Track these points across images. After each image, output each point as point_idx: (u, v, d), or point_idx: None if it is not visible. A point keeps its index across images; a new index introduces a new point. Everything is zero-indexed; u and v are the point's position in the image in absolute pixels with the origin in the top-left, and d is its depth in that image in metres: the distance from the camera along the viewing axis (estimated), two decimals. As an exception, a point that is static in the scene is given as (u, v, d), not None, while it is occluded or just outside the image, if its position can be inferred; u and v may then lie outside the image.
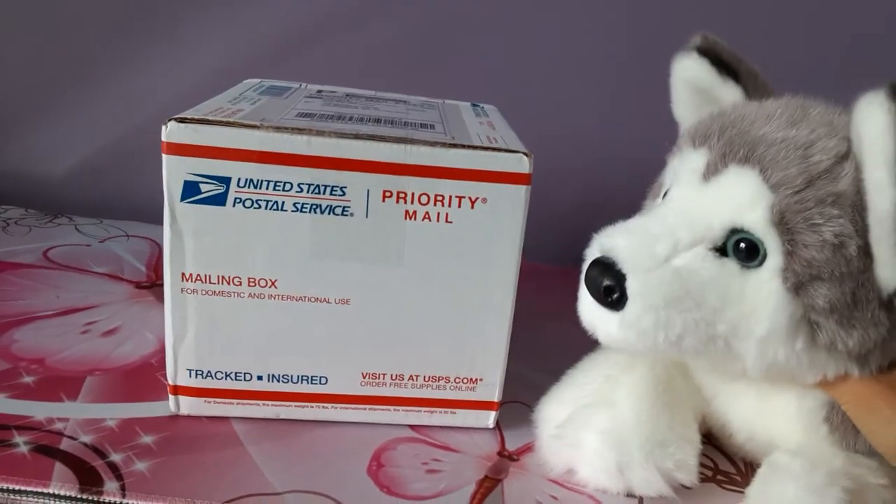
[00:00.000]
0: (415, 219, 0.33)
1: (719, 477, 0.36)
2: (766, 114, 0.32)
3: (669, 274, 0.30)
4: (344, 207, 0.32)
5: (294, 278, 0.33)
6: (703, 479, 0.35)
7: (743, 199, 0.30)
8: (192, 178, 0.31)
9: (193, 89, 0.59)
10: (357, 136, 0.32)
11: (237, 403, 0.35)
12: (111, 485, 0.31)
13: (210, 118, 0.31)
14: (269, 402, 0.35)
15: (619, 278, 0.30)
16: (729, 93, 0.36)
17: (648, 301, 0.30)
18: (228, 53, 0.59)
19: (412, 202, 0.33)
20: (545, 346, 0.45)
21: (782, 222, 0.29)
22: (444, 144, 0.32)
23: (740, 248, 0.30)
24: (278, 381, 0.35)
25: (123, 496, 0.30)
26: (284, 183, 0.32)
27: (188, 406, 0.35)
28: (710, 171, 0.32)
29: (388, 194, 0.32)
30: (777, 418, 0.33)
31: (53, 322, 0.43)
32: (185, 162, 0.31)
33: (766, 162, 0.30)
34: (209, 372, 0.35)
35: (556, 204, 0.51)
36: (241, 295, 0.33)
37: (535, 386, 0.38)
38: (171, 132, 0.31)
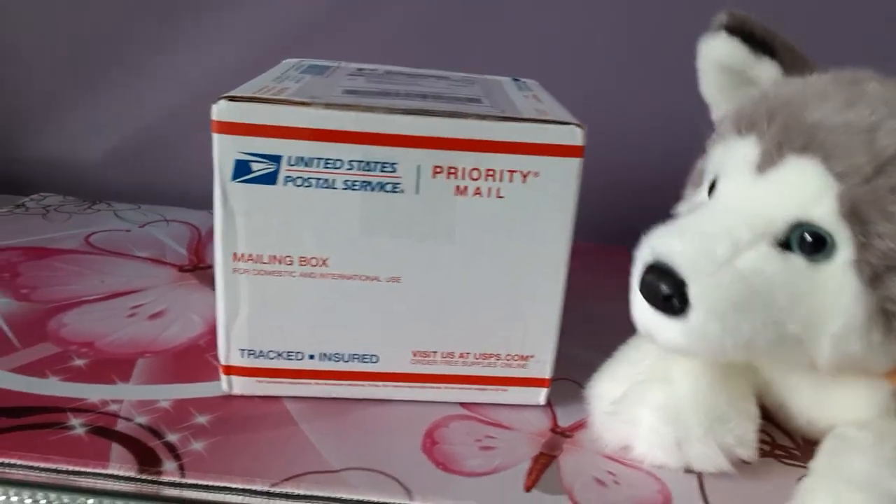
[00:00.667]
0: (465, 194, 0.32)
1: (777, 451, 0.35)
2: (818, 94, 0.30)
3: (733, 276, 0.28)
4: (394, 184, 0.32)
5: (345, 257, 0.33)
6: (762, 453, 0.34)
7: (807, 192, 0.29)
8: (242, 157, 0.31)
9: (227, 73, 0.59)
10: (407, 112, 0.31)
11: (289, 383, 0.35)
12: (170, 464, 0.31)
13: (260, 96, 0.31)
14: (321, 381, 0.35)
15: (679, 284, 0.28)
16: (766, 70, 0.34)
17: (713, 307, 0.28)
18: (262, 36, 0.59)
19: (463, 177, 0.32)
20: (589, 323, 0.44)
21: (854, 214, 0.28)
22: (495, 118, 0.32)
23: (806, 242, 0.29)
24: (329, 359, 0.35)
25: (182, 475, 0.30)
26: (335, 160, 0.31)
27: (241, 386, 0.35)
28: (766, 162, 0.30)
29: (438, 170, 0.32)
30: (840, 404, 0.33)
31: (99, 306, 0.43)
32: (236, 141, 0.31)
33: (828, 150, 0.28)
34: (261, 352, 0.35)
35: (592, 180, 0.50)
36: (293, 274, 0.33)
37: (582, 363, 0.37)
38: (221, 111, 0.31)
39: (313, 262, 0.33)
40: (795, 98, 0.31)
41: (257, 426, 0.34)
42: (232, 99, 0.31)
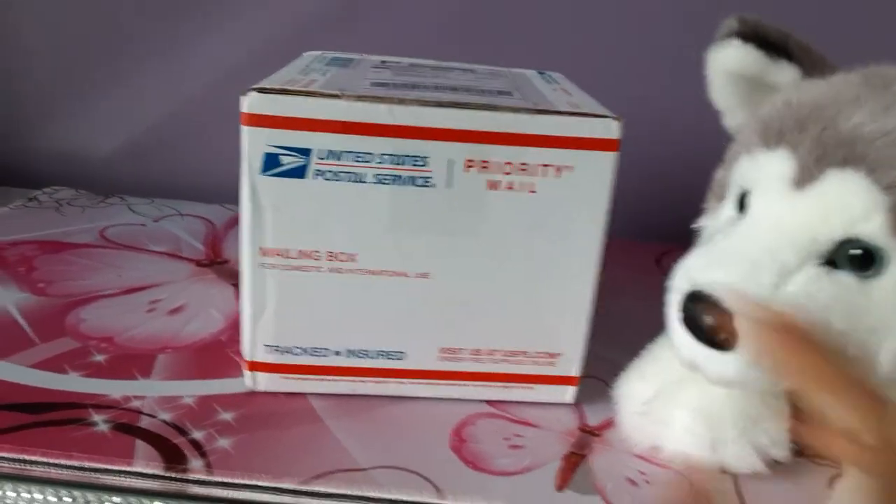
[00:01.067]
0: (498, 188, 0.32)
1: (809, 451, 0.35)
2: (849, 99, 0.29)
3: (785, 305, 0.27)
4: (426, 178, 0.31)
5: (373, 252, 0.33)
6: (794, 453, 0.34)
7: (854, 208, 0.27)
8: (272, 151, 0.31)
9: (241, 68, 0.59)
10: (440, 104, 0.31)
11: (315, 379, 0.35)
12: (196, 462, 0.30)
13: (291, 88, 0.30)
14: (346, 378, 0.35)
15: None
16: (784, 74, 0.33)
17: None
18: (276, 32, 0.58)
19: (496, 172, 0.32)
20: (614, 320, 0.43)
21: None
22: (529, 110, 0.31)
23: (853, 258, 0.27)
24: (356, 356, 0.34)
25: (210, 473, 0.30)
26: (366, 154, 0.31)
27: (266, 382, 0.35)
28: (804, 178, 0.28)
29: (470, 164, 0.31)
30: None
31: (117, 301, 0.43)
32: (265, 133, 0.30)
33: (871, 162, 0.27)
34: (287, 347, 0.34)
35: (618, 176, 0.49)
36: (321, 269, 0.33)
37: (608, 361, 0.37)
38: (252, 103, 0.30)
39: (342, 257, 0.33)
40: (824, 104, 0.29)
41: (282, 423, 0.33)
42: (262, 91, 0.30)
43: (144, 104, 0.62)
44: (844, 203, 0.28)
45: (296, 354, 0.34)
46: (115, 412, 0.33)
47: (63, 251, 0.48)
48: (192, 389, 0.35)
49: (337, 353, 0.34)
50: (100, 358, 0.37)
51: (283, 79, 0.33)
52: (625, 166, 0.46)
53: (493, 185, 0.32)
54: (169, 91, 0.61)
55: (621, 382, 0.35)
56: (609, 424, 0.35)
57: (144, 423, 0.32)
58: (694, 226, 0.36)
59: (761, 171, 0.30)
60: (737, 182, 0.32)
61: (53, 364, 0.36)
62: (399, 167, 0.31)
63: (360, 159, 0.31)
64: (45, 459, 0.30)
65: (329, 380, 0.35)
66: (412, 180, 0.31)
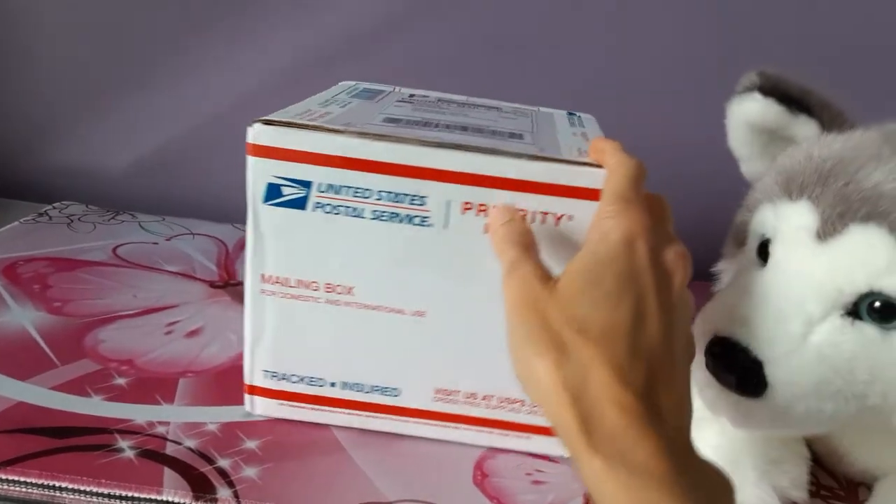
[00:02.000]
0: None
1: (823, 492, 0.35)
2: (870, 155, 0.30)
3: (811, 355, 0.28)
4: (423, 218, 0.31)
5: (370, 287, 0.33)
6: (809, 494, 0.34)
7: (878, 263, 0.28)
8: (274, 181, 0.31)
9: (252, 91, 0.59)
10: (439, 145, 0.31)
11: (310, 408, 0.35)
12: (224, 492, 0.30)
13: (294, 121, 0.31)
14: (342, 410, 0.35)
15: (755, 365, 0.28)
16: (803, 128, 0.34)
17: (795, 389, 0.28)
18: (290, 56, 0.59)
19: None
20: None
21: None
22: (529, 156, 0.31)
23: (876, 309, 0.28)
24: (350, 388, 0.34)
25: (238, 503, 0.30)
26: (364, 190, 0.31)
27: (262, 407, 0.35)
28: (827, 231, 0.29)
29: (468, 206, 0.31)
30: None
31: (135, 322, 0.43)
32: (269, 164, 0.31)
33: (894, 219, 0.28)
34: (284, 374, 0.34)
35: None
36: (318, 300, 0.33)
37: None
38: (257, 134, 0.30)
39: (339, 289, 0.33)
40: (846, 159, 0.30)
41: (307, 453, 0.33)
42: (267, 122, 0.31)
43: (155, 124, 0.62)
44: (868, 257, 0.28)
45: (292, 382, 0.35)
46: (140, 438, 0.33)
47: (76, 269, 0.48)
48: (214, 416, 0.35)
49: (332, 385, 0.34)
50: (121, 381, 0.37)
51: (300, 110, 0.33)
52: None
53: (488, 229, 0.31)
54: (180, 111, 0.61)
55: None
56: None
57: (170, 449, 0.32)
58: (713, 269, 0.36)
59: (783, 222, 0.31)
60: (757, 230, 0.33)
61: (75, 387, 0.36)
62: (397, 205, 0.31)
63: (358, 194, 0.31)
64: (74, 486, 0.30)
65: (325, 410, 0.35)
66: (410, 219, 0.31)
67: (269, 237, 0.32)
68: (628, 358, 0.24)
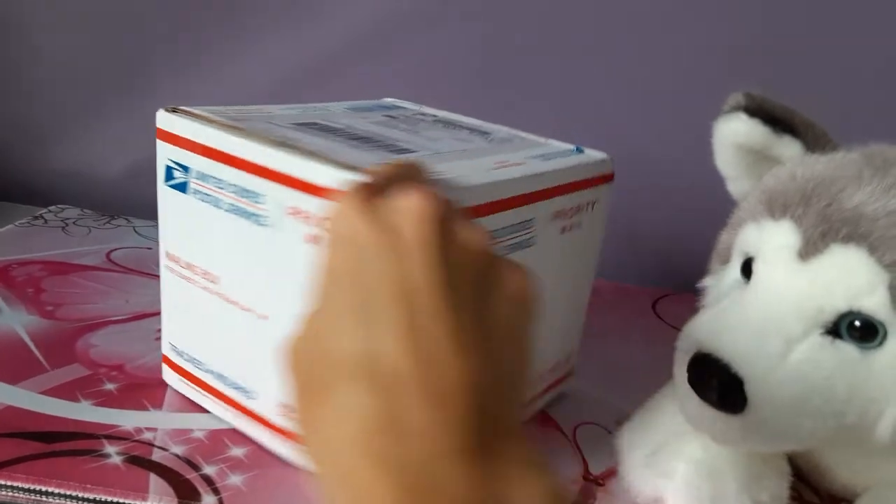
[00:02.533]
0: (317, 242, 0.29)
1: (805, 508, 0.36)
2: (852, 177, 0.30)
3: (791, 373, 0.28)
4: (261, 217, 0.30)
5: (231, 279, 0.33)
6: (791, 509, 0.35)
7: (857, 283, 0.28)
8: (169, 164, 0.33)
9: (249, 93, 0.60)
10: (282, 144, 0.30)
11: (196, 391, 0.36)
12: (209, 498, 0.31)
13: (186, 109, 0.33)
14: (218, 401, 0.35)
15: (735, 381, 0.28)
16: (787, 148, 0.34)
17: (775, 406, 0.28)
18: (289, 63, 0.59)
19: (315, 223, 0.29)
20: (611, 364, 0.45)
21: None
22: (341, 165, 0.28)
23: (855, 328, 0.29)
24: (220, 380, 0.34)
25: (223, 511, 0.30)
26: (221, 181, 0.31)
27: (170, 378, 0.37)
28: (809, 251, 0.30)
29: (293, 210, 0.30)
30: (883, 470, 0.33)
31: (127, 327, 0.43)
32: (165, 148, 0.33)
33: (874, 240, 0.28)
34: (181, 351, 0.36)
35: (615, 221, 0.50)
36: (197, 283, 0.34)
37: (606, 405, 0.37)
38: (160, 119, 0.33)
39: (211, 276, 0.33)
40: (828, 179, 0.30)
41: (293, 460, 0.34)
42: (171, 110, 0.33)
43: (151, 128, 0.62)
44: (848, 278, 0.29)
45: (185, 360, 0.36)
46: (127, 444, 0.33)
47: (70, 273, 0.48)
48: (201, 423, 0.35)
49: (209, 372, 0.35)
50: (111, 386, 0.37)
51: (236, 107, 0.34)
52: (616, 212, 0.47)
53: (312, 238, 0.29)
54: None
55: (625, 432, 0.36)
56: (612, 473, 0.36)
57: (157, 455, 0.33)
58: (699, 285, 0.37)
59: (766, 241, 0.32)
60: (741, 248, 0.33)
61: (65, 391, 0.36)
62: (243, 200, 0.31)
63: (219, 185, 0.32)
64: (61, 491, 0.30)
65: (207, 396, 0.35)
66: (254, 216, 0.31)
67: (168, 216, 0.34)
68: None
